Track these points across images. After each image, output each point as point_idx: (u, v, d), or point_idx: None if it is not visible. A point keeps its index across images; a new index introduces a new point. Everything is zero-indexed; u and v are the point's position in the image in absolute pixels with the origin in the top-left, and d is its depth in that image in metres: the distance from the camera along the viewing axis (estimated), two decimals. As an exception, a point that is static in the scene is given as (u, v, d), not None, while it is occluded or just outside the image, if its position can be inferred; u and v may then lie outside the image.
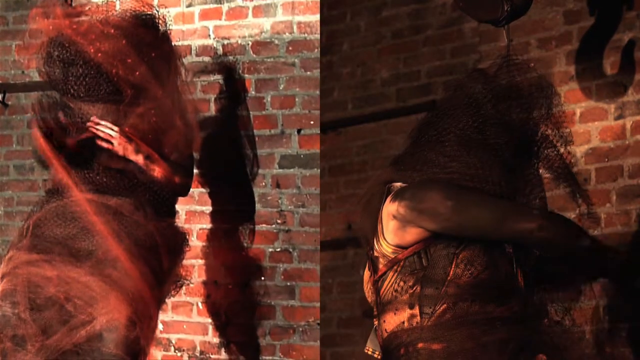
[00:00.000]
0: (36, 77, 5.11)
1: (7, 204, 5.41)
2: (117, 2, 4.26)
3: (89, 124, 3.90)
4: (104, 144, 3.89)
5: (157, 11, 4.15)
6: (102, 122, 3.90)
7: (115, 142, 3.88)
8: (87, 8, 4.26)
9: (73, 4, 5.03)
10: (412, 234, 3.17)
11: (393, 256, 3.20)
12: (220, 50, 5.02)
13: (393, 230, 3.20)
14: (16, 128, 5.45)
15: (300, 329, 4.80)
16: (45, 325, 3.72)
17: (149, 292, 3.82)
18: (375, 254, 3.27)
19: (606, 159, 4.40)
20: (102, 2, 4.61)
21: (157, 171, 3.93)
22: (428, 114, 3.38)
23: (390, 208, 3.21)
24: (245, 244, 4.91)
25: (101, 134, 3.89)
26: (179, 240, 4.10)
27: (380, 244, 3.23)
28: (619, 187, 4.38)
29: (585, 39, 4.52)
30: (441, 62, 5.62)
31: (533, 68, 3.40)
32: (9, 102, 5.23)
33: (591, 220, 3.35)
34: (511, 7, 3.94)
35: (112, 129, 3.89)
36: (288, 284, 4.83)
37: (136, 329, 3.73)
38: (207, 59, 5.04)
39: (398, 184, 3.27)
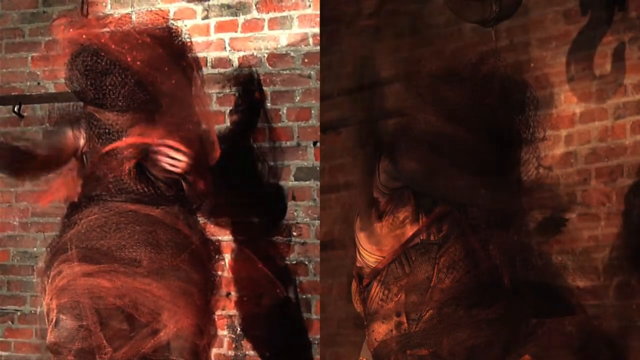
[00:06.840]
0: (52, 89, 5.10)
1: (22, 214, 5.37)
2: (133, 15, 4.23)
3: (160, 148, 3.82)
4: (170, 168, 3.84)
5: (175, 23, 4.14)
6: (176, 148, 3.82)
7: (180, 167, 3.84)
8: (108, 20, 4.21)
9: (88, 17, 4.98)
10: (384, 237, 3.25)
11: (374, 265, 3.25)
12: (235, 63, 5.00)
13: (366, 238, 3.26)
14: (32, 139, 5.32)
15: (317, 342, 4.82)
16: (112, 336, 3.71)
17: (210, 300, 3.87)
18: (359, 264, 3.31)
19: (606, 159, 4.44)
20: (118, 14, 4.56)
21: (202, 184, 3.94)
22: (404, 119, 3.42)
23: (357, 223, 3.30)
24: (261, 256, 4.91)
25: (170, 160, 3.82)
26: (213, 248, 4.13)
27: (362, 255, 3.28)
28: (619, 187, 4.43)
29: (579, 38, 4.56)
30: (441, 62, 5.61)
31: (515, 70, 3.43)
32: (25, 114, 5.19)
33: None
34: (500, 7, 3.97)
35: (184, 156, 3.83)
36: (304, 296, 4.86)
37: (203, 337, 3.74)
38: (222, 71, 5.02)
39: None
